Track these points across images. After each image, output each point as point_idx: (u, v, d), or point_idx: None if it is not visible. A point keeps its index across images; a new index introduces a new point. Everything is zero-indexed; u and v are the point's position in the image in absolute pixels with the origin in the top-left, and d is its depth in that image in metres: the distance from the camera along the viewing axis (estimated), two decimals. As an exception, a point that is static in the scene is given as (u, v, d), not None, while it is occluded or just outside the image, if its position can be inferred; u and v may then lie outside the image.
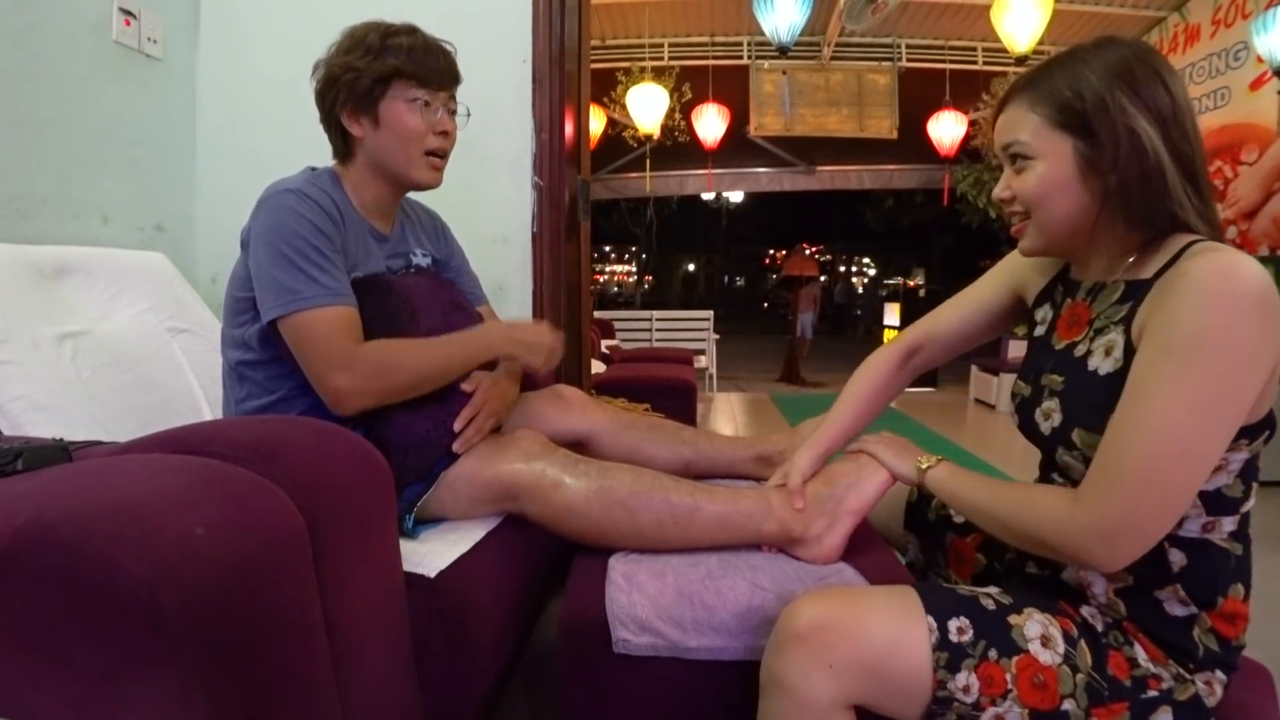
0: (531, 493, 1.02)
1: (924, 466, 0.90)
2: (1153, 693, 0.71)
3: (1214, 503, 0.71)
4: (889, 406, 1.12)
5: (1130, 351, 0.71)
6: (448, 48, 1.14)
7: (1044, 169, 0.75)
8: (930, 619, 0.72)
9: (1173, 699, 0.71)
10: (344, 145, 1.12)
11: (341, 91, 1.07)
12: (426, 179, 1.13)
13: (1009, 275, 0.96)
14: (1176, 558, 0.72)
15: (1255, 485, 0.73)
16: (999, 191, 0.80)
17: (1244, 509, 0.73)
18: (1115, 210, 0.73)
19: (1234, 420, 0.66)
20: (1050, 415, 0.79)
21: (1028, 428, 0.84)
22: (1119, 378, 0.70)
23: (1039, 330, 0.89)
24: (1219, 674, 0.72)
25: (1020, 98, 0.77)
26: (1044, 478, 0.87)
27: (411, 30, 1.10)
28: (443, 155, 1.14)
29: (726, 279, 24.48)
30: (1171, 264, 0.70)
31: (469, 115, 1.19)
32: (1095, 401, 0.72)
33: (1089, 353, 0.76)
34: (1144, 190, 0.71)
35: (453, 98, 1.15)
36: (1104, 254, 0.79)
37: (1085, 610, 0.77)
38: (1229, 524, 0.72)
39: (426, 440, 1.03)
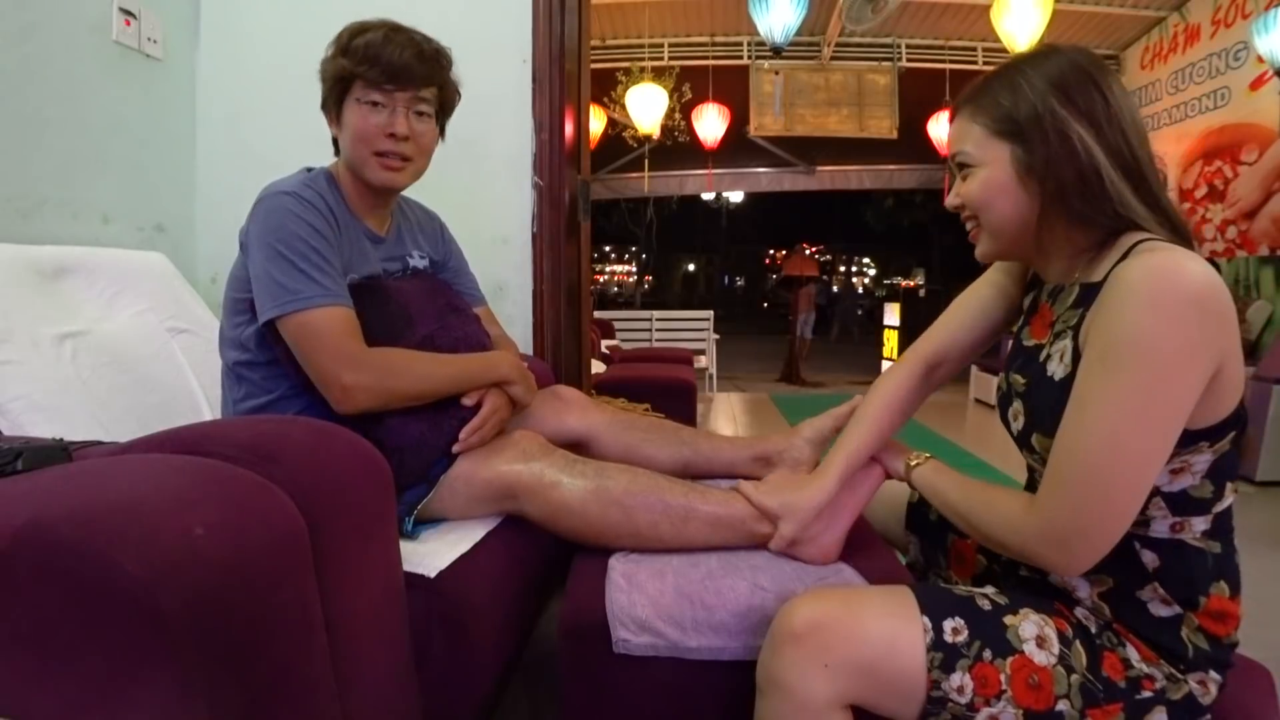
0: (530, 492, 1.03)
1: (913, 464, 0.92)
2: (1147, 693, 0.71)
3: (1180, 504, 0.72)
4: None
5: (1078, 357, 0.72)
6: (425, 45, 1.09)
7: (985, 174, 0.78)
8: (925, 619, 0.72)
9: (1166, 699, 0.71)
10: (335, 144, 1.14)
11: (322, 90, 1.09)
12: (378, 179, 1.10)
13: (997, 274, 0.96)
14: (1149, 558, 0.73)
15: (1230, 485, 0.73)
16: (950, 200, 0.84)
17: (1217, 508, 0.72)
18: (1056, 212, 0.75)
19: (1172, 423, 0.66)
20: (1017, 417, 0.81)
21: (1005, 425, 0.86)
22: (1070, 384, 0.72)
23: (1020, 320, 0.90)
24: (1213, 674, 0.72)
25: (964, 110, 0.80)
26: (1030, 479, 0.87)
27: (380, 27, 1.07)
28: (401, 156, 1.09)
29: (726, 279, 24.47)
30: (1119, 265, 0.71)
31: (446, 114, 1.16)
32: (1051, 407, 0.74)
33: (1048, 357, 0.78)
34: (1081, 191, 0.73)
35: (420, 98, 1.09)
36: (1058, 256, 0.80)
37: (1079, 611, 0.77)
38: (1200, 524, 0.72)
39: (421, 442, 1.03)
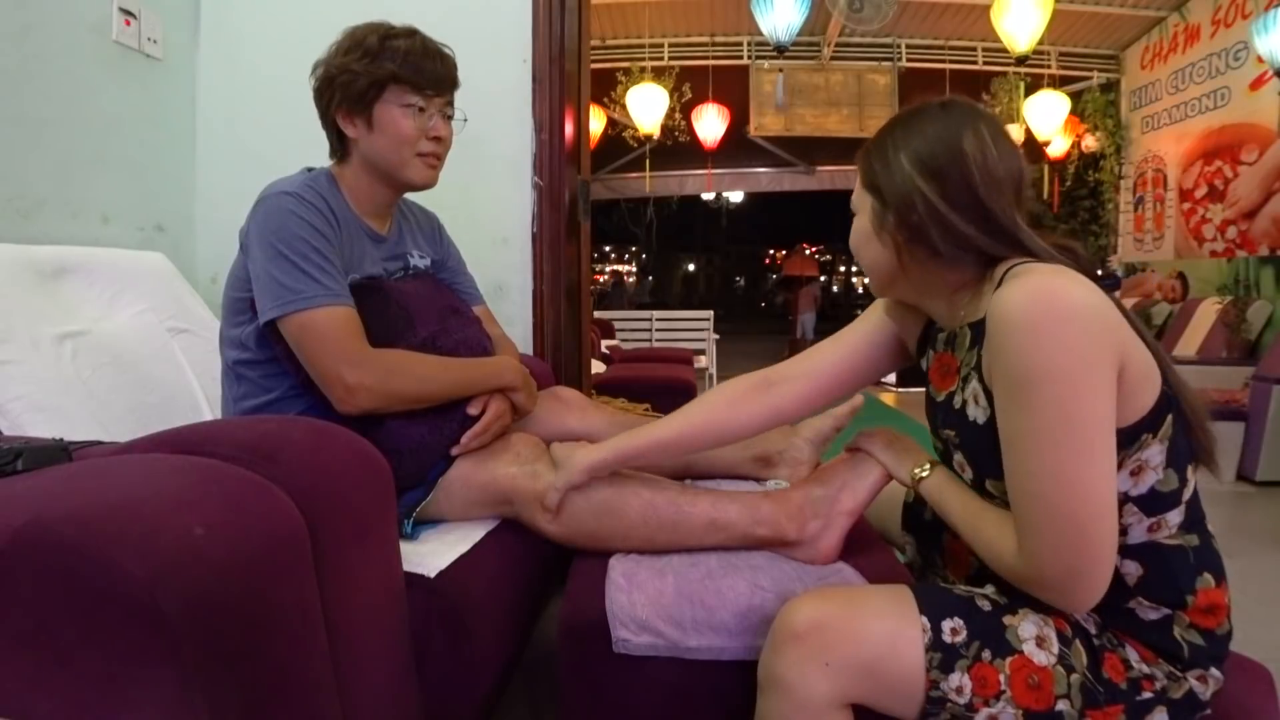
0: (525, 498, 1.02)
1: (918, 475, 0.89)
2: (1147, 694, 0.71)
3: (1152, 502, 0.71)
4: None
5: (990, 397, 0.73)
6: (448, 51, 1.13)
7: (857, 223, 0.85)
8: (924, 619, 0.72)
9: (1167, 698, 0.71)
10: (340, 145, 1.13)
11: (337, 92, 1.07)
12: (421, 178, 1.13)
13: (882, 314, 0.96)
14: (1131, 568, 0.72)
15: (1190, 468, 0.72)
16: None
17: (1186, 497, 0.72)
18: (914, 257, 0.78)
19: (1104, 436, 0.66)
20: (964, 468, 0.82)
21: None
22: (993, 424, 0.72)
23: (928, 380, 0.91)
24: (1213, 670, 0.72)
25: (858, 157, 0.85)
26: None
27: (411, 33, 1.09)
28: (436, 156, 1.14)
29: (726, 279, 24.45)
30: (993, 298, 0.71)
31: (465, 120, 1.18)
32: (986, 451, 0.75)
33: (964, 403, 0.79)
34: (923, 238, 0.76)
35: (449, 102, 1.14)
36: (937, 297, 0.83)
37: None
38: (1175, 517, 0.72)
39: (421, 445, 1.03)
